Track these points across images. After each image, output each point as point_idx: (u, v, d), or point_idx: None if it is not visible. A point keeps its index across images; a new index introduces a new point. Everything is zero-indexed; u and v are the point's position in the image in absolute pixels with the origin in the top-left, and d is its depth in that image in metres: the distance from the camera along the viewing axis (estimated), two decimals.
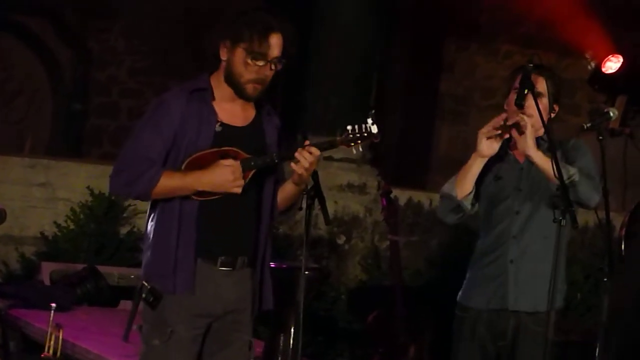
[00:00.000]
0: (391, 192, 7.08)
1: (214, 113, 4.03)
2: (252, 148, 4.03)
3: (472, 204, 4.57)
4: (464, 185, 4.53)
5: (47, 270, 7.42)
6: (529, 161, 4.53)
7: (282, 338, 5.96)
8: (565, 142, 4.62)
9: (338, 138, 4.00)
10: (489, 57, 10.92)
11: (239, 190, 3.94)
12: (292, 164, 3.99)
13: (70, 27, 11.14)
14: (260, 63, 3.98)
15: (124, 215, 7.88)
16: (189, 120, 3.99)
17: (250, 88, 4.01)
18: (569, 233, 4.45)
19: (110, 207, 7.82)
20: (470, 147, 4.58)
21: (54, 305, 5.88)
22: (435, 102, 11.21)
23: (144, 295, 4.00)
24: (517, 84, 4.47)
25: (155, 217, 4.04)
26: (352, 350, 7.81)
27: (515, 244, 4.55)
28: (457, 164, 4.65)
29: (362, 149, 4.12)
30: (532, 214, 4.55)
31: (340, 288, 8.10)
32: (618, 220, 6.69)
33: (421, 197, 8.49)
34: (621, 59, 9.62)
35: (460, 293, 4.69)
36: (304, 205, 4.07)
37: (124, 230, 7.88)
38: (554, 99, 4.58)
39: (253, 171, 4.00)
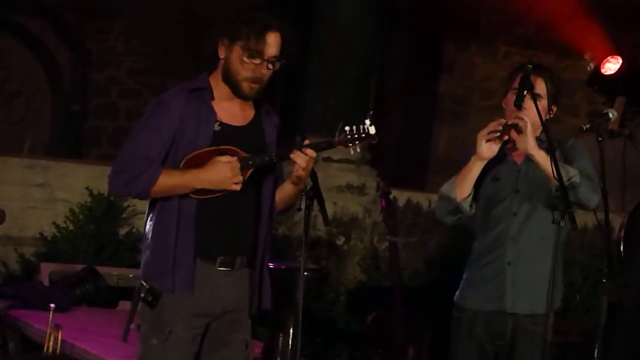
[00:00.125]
0: (390, 192, 7.08)
1: (213, 112, 4.03)
2: (251, 147, 4.03)
3: (471, 206, 4.58)
4: (464, 187, 4.53)
5: (46, 270, 7.42)
6: (527, 163, 4.54)
7: (281, 339, 5.96)
8: (564, 142, 4.62)
9: (336, 139, 4.00)
10: (488, 58, 10.92)
11: (237, 187, 3.94)
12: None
13: (69, 28, 11.13)
14: (257, 61, 3.98)
15: (123, 216, 7.88)
16: (188, 119, 3.99)
17: (246, 86, 4.01)
18: (566, 234, 4.45)
19: (110, 208, 7.82)
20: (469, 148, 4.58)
21: (53, 305, 5.89)
22: (435, 103, 11.21)
23: (142, 295, 4.00)
24: (515, 84, 4.48)
25: (154, 216, 4.04)
26: (351, 351, 7.80)
27: (512, 245, 4.56)
28: (457, 164, 4.66)
29: (361, 149, 4.12)
30: (530, 215, 4.56)
31: (339, 289, 8.10)
32: (617, 221, 6.70)
33: (420, 198, 8.49)
34: (620, 60, 9.61)
35: (457, 293, 4.70)
36: (303, 206, 4.06)
37: (123, 231, 7.88)
38: (552, 99, 4.59)
39: (251, 170, 4.00)
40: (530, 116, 4.42)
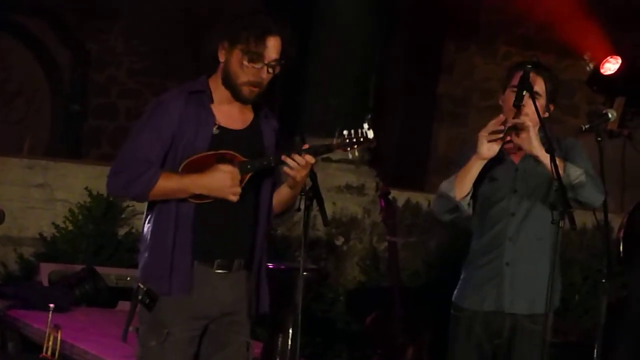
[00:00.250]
0: (389, 193, 7.07)
1: (212, 116, 4.02)
2: (249, 151, 4.03)
3: (469, 205, 4.58)
4: (463, 186, 4.53)
5: (46, 271, 7.42)
6: (524, 162, 4.54)
7: (280, 339, 5.96)
8: (562, 139, 4.63)
9: (334, 142, 4.00)
10: (488, 58, 10.92)
11: (235, 198, 3.94)
12: (285, 169, 3.99)
13: (69, 28, 11.13)
14: (257, 65, 3.97)
15: (123, 216, 7.88)
16: (187, 122, 3.98)
17: (246, 90, 4.01)
18: (563, 233, 4.45)
19: (109, 208, 7.82)
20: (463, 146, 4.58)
21: (52, 306, 5.89)
22: (434, 103, 11.20)
23: (140, 297, 4.00)
24: (514, 82, 4.48)
25: (152, 218, 4.04)
26: (350, 352, 7.80)
27: (511, 246, 4.56)
28: (453, 163, 4.66)
29: (360, 151, 4.12)
30: (527, 215, 4.56)
31: (339, 289, 8.10)
32: (616, 221, 6.70)
33: (419, 198, 8.49)
34: (620, 61, 9.62)
35: (455, 293, 4.70)
36: (302, 207, 4.07)
37: (122, 232, 7.88)
38: (550, 98, 4.59)
39: (250, 174, 4.00)
40: (529, 115, 4.42)
